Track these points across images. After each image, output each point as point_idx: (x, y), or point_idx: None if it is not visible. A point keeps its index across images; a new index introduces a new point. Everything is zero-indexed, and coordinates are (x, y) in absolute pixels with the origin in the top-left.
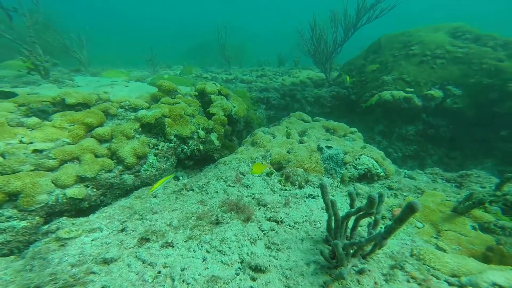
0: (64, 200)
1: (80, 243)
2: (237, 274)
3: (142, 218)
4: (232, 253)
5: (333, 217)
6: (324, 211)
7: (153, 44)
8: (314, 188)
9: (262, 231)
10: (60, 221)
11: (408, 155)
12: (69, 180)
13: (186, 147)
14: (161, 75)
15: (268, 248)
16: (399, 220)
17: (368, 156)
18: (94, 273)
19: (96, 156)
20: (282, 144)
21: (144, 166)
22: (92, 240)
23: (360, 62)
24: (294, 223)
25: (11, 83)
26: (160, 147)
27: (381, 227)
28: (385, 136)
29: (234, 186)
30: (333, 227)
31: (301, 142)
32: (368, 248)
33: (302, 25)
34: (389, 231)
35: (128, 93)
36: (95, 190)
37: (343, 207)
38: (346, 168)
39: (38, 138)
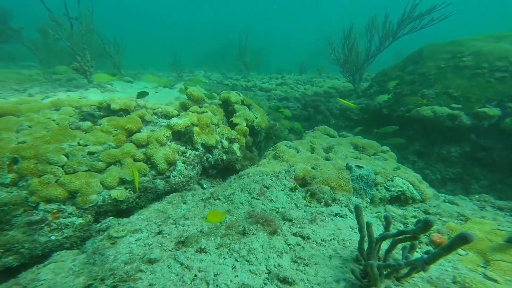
0: (109, 201)
1: (127, 243)
2: (265, 284)
3: (175, 223)
4: (259, 263)
5: (366, 238)
6: (353, 230)
7: (176, 48)
8: (341, 207)
9: (288, 245)
10: (109, 221)
11: (448, 178)
12: (114, 182)
13: (211, 156)
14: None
15: (295, 262)
16: (448, 248)
17: (402, 179)
18: (141, 271)
19: (135, 160)
20: (307, 159)
21: (174, 172)
22: (136, 240)
23: (396, 73)
24: (321, 240)
25: (65, 87)
26: (187, 155)
27: (416, 251)
28: (422, 156)
29: (258, 199)
30: (365, 248)
31: (327, 159)
32: (404, 271)
33: (330, 32)
34: (433, 257)
35: (159, 100)
36: (132, 193)
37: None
38: (377, 189)
39: (91, 141)
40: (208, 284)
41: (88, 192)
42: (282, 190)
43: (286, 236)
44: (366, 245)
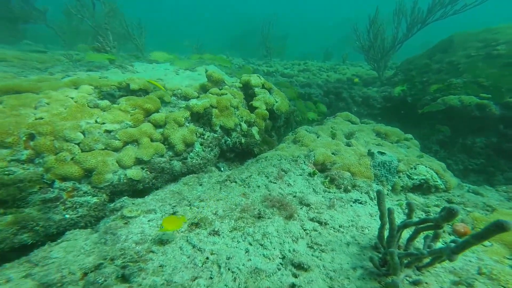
0: (125, 181)
1: (139, 223)
2: (279, 269)
3: (190, 205)
4: (274, 248)
5: (387, 226)
6: (372, 218)
7: (199, 33)
8: (361, 193)
9: (305, 230)
10: (123, 200)
11: (471, 168)
12: (130, 162)
13: (229, 139)
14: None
15: (311, 247)
16: (479, 237)
17: (426, 167)
18: (153, 252)
19: (152, 140)
20: (327, 145)
21: (191, 154)
22: (149, 220)
23: (423, 61)
24: (339, 227)
25: (86, 67)
26: (206, 137)
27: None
28: (445, 146)
29: (275, 183)
30: (385, 235)
31: (348, 145)
32: (425, 260)
33: (356, 18)
34: (462, 246)
35: (179, 82)
36: (148, 173)
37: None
38: (399, 177)
39: (108, 120)
40: (219, 267)
41: (103, 171)
42: (300, 175)
43: (302, 221)
44: (386, 233)
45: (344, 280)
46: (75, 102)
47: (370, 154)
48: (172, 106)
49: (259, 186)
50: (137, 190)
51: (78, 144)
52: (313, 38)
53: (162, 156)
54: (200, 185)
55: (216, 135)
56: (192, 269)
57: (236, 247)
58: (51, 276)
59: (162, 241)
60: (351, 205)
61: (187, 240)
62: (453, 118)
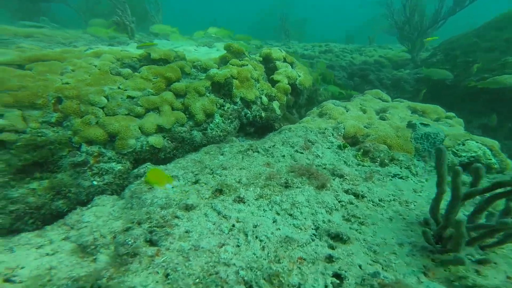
0: (147, 148)
1: (163, 188)
2: (312, 240)
3: (213, 173)
4: (305, 218)
5: (444, 195)
6: (417, 194)
7: (216, 15)
8: (401, 168)
9: (340, 202)
10: (146, 166)
11: None
12: (152, 128)
13: (249, 112)
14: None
15: (347, 220)
16: None
17: (477, 142)
18: (178, 217)
19: (173, 109)
20: (358, 118)
21: (211, 125)
22: (172, 187)
23: (470, 40)
24: (379, 200)
25: (107, 42)
26: (226, 108)
27: None
28: (489, 131)
29: (302, 153)
30: (440, 207)
31: (382, 119)
32: (491, 240)
33: None
34: None
35: (198, 56)
36: (169, 142)
37: (427, 202)
38: None
39: (131, 87)
40: (246, 235)
41: (126, 136)
42: (328, 148)
43: (336, 192)
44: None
45: (390, 256)
46: (98, 69)
47: (411, 125)
48: (192, 77)
49: (284, 156)
50: (159, 159)
51: (102, 108)
52: (334, 22)
53: (182, 125)
54: (222, 154)
55: (236, 107)
56: (218, 235)
57: (263, 216)
58: (85, 238)
59: (187, 207)
60: (391, 179)
61: (212, 207)
62: (502, 100)
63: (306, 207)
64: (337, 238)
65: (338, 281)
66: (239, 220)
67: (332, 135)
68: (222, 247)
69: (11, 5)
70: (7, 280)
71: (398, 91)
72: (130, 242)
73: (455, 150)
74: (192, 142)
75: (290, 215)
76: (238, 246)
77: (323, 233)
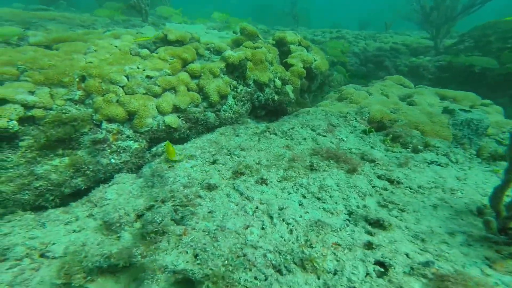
0: (163, 127)
1: (183, 167)
2: (347, 225)
3: (230, 154)
4: (335, 202)
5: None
6: (461, 181)
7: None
8: (438, 155)
9: (374, 187)
10: (164, 145)
11: None
12: (168, 108)
13: (261, 94)
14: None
15: (384, 206)
16: None
17: None
18: (201, 197)
19: (188, 89)
20: (383, 102)
21: (224, 106)
22: (192, 166)
23: (510, 25)
24: (418, 187)
25: (123, 25)
26: (239, 90)
27: None
28: None
29: (325, 136)
30: (502, 196)
31: (410, 104)
32: None
33: None
34: None
35: (210, 39)
36: (184, 122)
37: (475, 190)
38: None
39: (149, 67)
40: (271, 217)
41: (144, 115)
42: (351, 133)
43: (369, 177)
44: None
45: (440, 245)
46: (119, 50)
47: (449, 111)
48: (205, 59)
49: (305, 139)
50: (173, 139)
51: (122, 87)
52: (346, 8)
53: (197, 106)
54: (237, 135)
55: (249, 89)
56: (243, 216)
57: (288, 199)
58: (111, 215)
59: (209, 186)
60: (428, 166)
61: (234, 187)
62: None
63: (336, 191)
64: (377, 224)
65: (382, 269)
66: (263, 202)
67: (355, 119)
68: (247, 228)
69: None
70: (42, 255)
71: (416, 78)
72: (158, 220)
73: (500, 139)
74: (206, 123)
75: (318, 198)
76: (263, 228)
77: (359, 219)
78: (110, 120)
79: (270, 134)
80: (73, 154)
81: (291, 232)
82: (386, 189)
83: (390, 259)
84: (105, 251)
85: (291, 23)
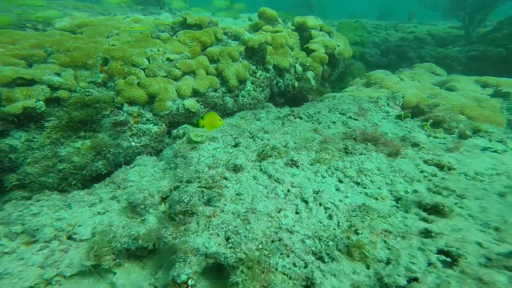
0: (182, 111)
1: (206, 149)
2: (396, 211)
3: (253, 137)
4: (378, 187)
5: None
6: None
7: None
8: (491, 141)
9: (422, 172)
10: (185, 127)
11: None
12: (187, 91)
13: (281, 80)
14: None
15: (436, 193)
16: None
17: None
18: (226, 178)
19: (207, 73)
20: (418, 88)
21: (242, 92)
22: (214, 149)
23: None
24: (475, 174)
25: (141, 12)
26: (258, 76)
27: None
28: None
29: (357, 120)
30: None
31: (450, 90)
32: None
33: None
34: None
35: (229, 25)
36: (202, 107)
37: None
38: None
39: (169, 50)
40: (306, 201)
41: (165, 98)
42: (384, 118)
43: (416, 161)
44: None
45: None
46: (140, 33)
47: (502, 94)
48: (223, 44)
49: (334, 122)
50: (191, 124)
51: (143, 69)
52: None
53: (215, 90)
54: (258, 120)
55: (268, 74)
56: (274, 199)
57: (322, 182)
58: (136, 196)
59: (235, 167)
60: (482, 152)
61: (261, 170)
62: None
63: (378, 176)
64: (434, 210)
65: (448, 259)
66: (294, 185)
67: (387, 104)
68: (280, 212)
69: None
70: (69, 238)
71: (444, 69)
72: (186, 200)
73: None
74: (224, 108)
75: (357, 183)
76: (297, 212)
77: (410, 205)
78: (131, 102)
79: (295, 118)
80: (94, 136)
81: (330, 217)
82: (435, 174)
83: (457, 249)
84: (133, 232)
85: (305, 14)
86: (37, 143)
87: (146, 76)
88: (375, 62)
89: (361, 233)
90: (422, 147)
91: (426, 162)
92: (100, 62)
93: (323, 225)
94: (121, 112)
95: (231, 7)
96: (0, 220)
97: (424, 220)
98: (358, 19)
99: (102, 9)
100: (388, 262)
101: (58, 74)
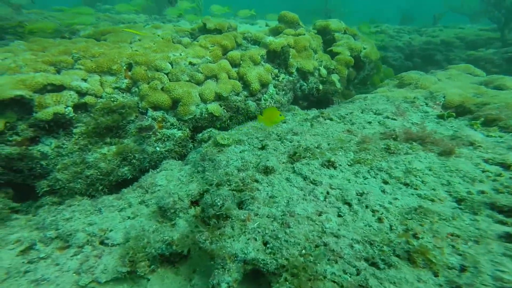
0: (206, 115)
1: (233, 152)
2: (461, 214)
3: (281, 139)
4: (433, 188)
5: None
6: None
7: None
8: None
9: (484, 172)
10: (210, 130)
11: None
12: (210, 96)
13: (305, 84)
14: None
15: (509, 193)
16: None
17: None
18: (257, 181)
19: (229, 77)
20: (460, 87)
21: (265, 95)
22: (241, 151)
23: None
24: None
25: (159, 20)
26: (280, 79)
27: None
28: None
29: (395, 119)
30: None
31: (499, 88)
32: None
33: None
34: None
35: (248, 29)
36: (225, 111)
37: None
38: None
39: (191, 54)
40: (349, 204)
41: (188, 102)
42: (423, 119)
43: (473, 160)
44: None
45: None
46: (162, 38)
47: None
48: (243, 49)
49: (370, 123)
50: (214, 128)
51: (167, 74)
52: (383, 4)
53: (238, 94)
54: (284, 122)
55: (291, 78)
56: (313, 202)
57: (365, 184)
58: (166, 200)
59: (266, 169)
60: None
61: (294, 171)
62: None
63: (430, 176)
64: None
65: None
66: (333, 186)
67: (426, 104)
68: (321, 215)
69: None
70: (102, 243)
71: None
72: (219, 203)
73: None
74: (247, 112)
75: (406, 184)
76: (340, 215)
77: (479, 206)
78: (155, 107)
79: (325, 120)
80: (120, 142)
81: (380, 220)
82: (499, 174)
83: None
84: (167, 237)
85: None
86: (66, 150)
87: (170, 80)
88: (399, 65)
89: (422, 237)
90: (478, 145)
91: (486, 161)
92: (125, 67)
93: (373, 228)
94: (146, 117)
95: (254, 15)
96: (35, 225)
97: (502, 223)
98: (378, 24)
99: (121, 18)
100: (463, 269)
101: (85, 80)
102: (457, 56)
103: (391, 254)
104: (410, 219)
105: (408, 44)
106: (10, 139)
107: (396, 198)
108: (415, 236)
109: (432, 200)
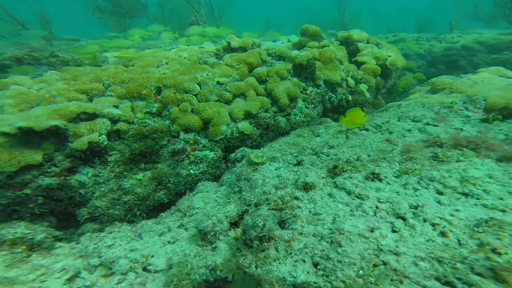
0: (236, 134)
1: (268, 170)
2: None
3: (316, 153)
4: (500, 197)
5: None
6: None
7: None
8: None
9: None
10: (243, 150)
11: None
12: (240, 114)
13: (334, 95)
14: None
15: None
16: None
17: None
18: (297, 198)
19: (257, 94)
20: (500, 89)
21: (294, 110)
22: (276, 169)
23: None
24: None
25: (183, 44)
26: (308, 92)
27: None
28: None
29: (437, 125)
30: None
31: None
32: None
33: None
34: None
35: (272, 45)
36: (255, 129)
37: None
38: None
39: (218, 74)
40: (404, 218)
41: (219, 122)
42: (464, 123)
43: None
44: None
45: None
46: (188, 60)
47: None
48: (268, 65)
49: (409, 130)
50: (246, 147)
51: (195, 95)
52: (399, 13)
53: (267, 111)
54: (317, 136)
55: (319, 90)
56: (362, 218)
57: (416, 195)
58: (205, 223)
59: (306, 186)
60: None
61: (336, 186)
62: None
63: (493, 184)
64: None
65: None
66: (381, 200)
67: (465, 108)
68: (373, 231)
69: (109, 22)
70: (144, 269)
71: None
72: (260, 224)
73: None
74: (277, 128)
75: (465, 194)
76: (395, 231)
77: None
78: (187, 130)
79: (360, 130)
80: (154, 167)
81: (443, 234)
82: None
83: None
84: (209, 262)
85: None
86: (102, 178)
87: (199, 101)
88: (423, 72)
89: (505, 253)
90: None
91: None
92: (154, 91)
93: (438, 244)
94: (178, 141)
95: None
96: (78, 253)
97: None
98: (395, 33)
99: (145, 44)
100: None
101: (117, 106)
102: (481, 61)
103: (469, 272)
104: (481, 232)
105: (429, 51)
106: (49, 170)
107: (457, 210)
108: (495, 251)
109: (503, 211)
